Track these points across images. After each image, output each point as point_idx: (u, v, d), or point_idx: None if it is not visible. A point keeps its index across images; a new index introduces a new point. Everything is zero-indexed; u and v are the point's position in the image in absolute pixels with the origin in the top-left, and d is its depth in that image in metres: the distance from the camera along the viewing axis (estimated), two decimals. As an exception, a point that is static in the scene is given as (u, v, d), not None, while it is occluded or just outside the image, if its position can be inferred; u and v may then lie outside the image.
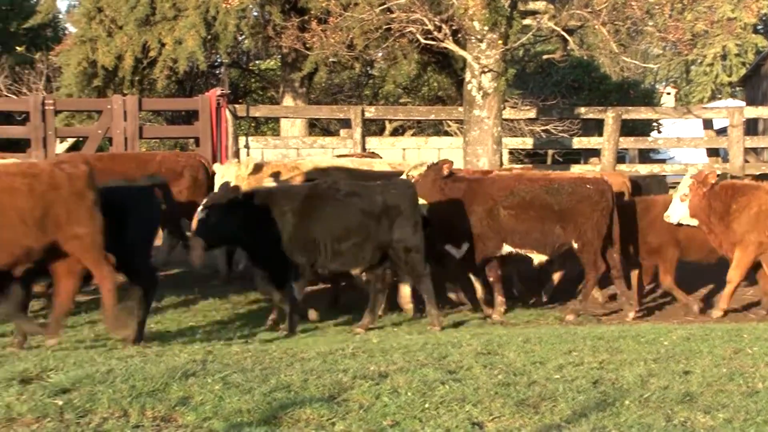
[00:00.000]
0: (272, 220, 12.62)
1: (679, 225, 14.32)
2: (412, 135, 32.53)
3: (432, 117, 27.48)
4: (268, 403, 7.08)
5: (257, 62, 37.12)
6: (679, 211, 14.12)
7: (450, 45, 20.12)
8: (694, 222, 14.19)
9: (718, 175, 14.39)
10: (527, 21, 20.26)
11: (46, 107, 22.01)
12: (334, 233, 12.84)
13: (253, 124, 36.63)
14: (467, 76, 20.10)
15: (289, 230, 12.65)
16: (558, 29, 20.25)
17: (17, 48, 33.37)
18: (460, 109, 22.52)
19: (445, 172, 14.46)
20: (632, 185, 17.17)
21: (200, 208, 12.69)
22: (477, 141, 19.86)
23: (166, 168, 16.06)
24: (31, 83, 30.20)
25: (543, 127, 28.49)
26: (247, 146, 24.12)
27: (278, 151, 24.46)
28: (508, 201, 14.30)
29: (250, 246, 13.01)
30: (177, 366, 7.96)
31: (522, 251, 14.54)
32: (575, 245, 14.32)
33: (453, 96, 30.50)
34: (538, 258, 14.60)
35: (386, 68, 29.71)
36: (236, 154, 23.17)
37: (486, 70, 19.45)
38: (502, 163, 20.67)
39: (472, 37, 19.50)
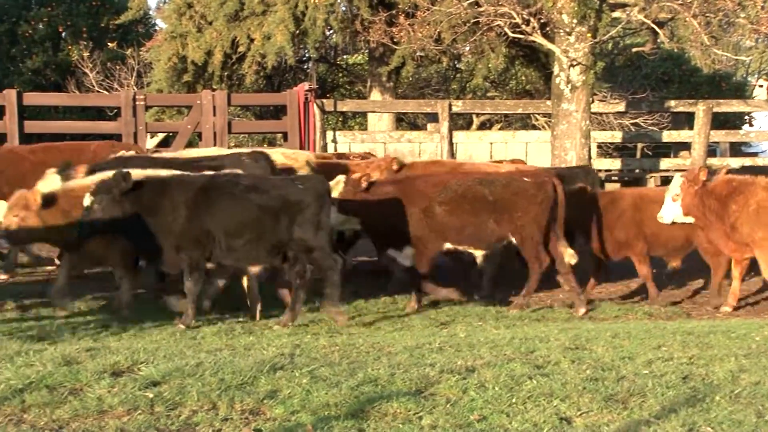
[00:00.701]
0: (164, 210, 12.14)
1: (673, 224, 14.13)
2: (500, 129, 32.40)
3: (519, 111, 27.42)
4: (355, 397, 7.10)
5: (345, 57, 37.24)
6: (672, 211, 13.89)
7: (538, 38, 20.01)
8: (690, 220, 13.96)
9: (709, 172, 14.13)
10: (616, 13, 20.10)
11: (137, 103, 22.33)
12: (228, 228, 12.22)
13: (340, 119, 36.75)
14: (555, 69, 20.00)
15: (181, 222, 12.12)
16: (648, 22, 20.03)
17: (109, 44, 33.90)
18: (548, 102, 22.43)
19: (364, 185, 14.03)
20: (563, 175, 17.06)
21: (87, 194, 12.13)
22: (565, 135, 19.75)
23: (101, 158, 15.86)
24: (122, 79, 30.65)
25: (632, 121, 28.22)
26: (334, 141, 24.25)
27: (365, 145, 24.51)
28: (443, 196, 13.87)
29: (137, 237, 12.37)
30: (265, 359, 8.02)
31: (461, 248, 14.16)
32: (514, 239, 14.01)
33: (541, 89, 30.37)
34: (478, 253, 14.23)
35: (474, 62, 29.62)
36: (324, 149, 23.32)
37: (575, 63, 19.34)
38: (590, 157, 20.52)
39: (561, 30, 19.40)
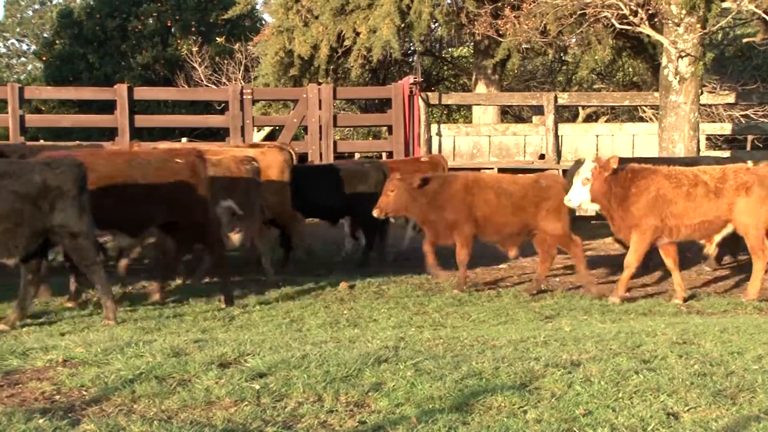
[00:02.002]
0: None
1: (580, 207, 14.18)
2: (606, 121, 32.11)
3: (626, 103, 27.14)
4: (459, 390, 7.09)
5: (450, 50, 37.20)
6: (580, 195, 13.82)
7: (646, 29, 19.81)
8: (594, 206, 13.97)
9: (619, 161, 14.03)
10: (727, 4, 19.79)
11: (245, 97, 22.59)
12: None
13: (445, 112, 36.74)
14: (663, 60, 19.77)
15: None
16: (759, 12, 19.69)
17: (217, 39, 34.36)
18: (656, 94, 22.17)
19: None
20: (352, 171, 17.16)
21: None
22: (673, 127, 19.52)
23: None
24: (229, 73, 31.00)
25: (742, 113, 27.78)
26: (439, 134, 24.23)
27: (470, 138, 24.47)
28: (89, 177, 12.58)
29: None
30: (370, 352, 8.04)
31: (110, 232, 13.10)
32: (181, 223, 13.24)
33: (648, 81, 30.03)
34: (126, 241, 13.46)
35: (580, 54, 29.43)
36: (428, 142, 23.32)
37: (683, 54, 19.09)
38: (698, 150, 20.24)
39: (669, 21, 19.17)
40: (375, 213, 14.65)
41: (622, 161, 14.06)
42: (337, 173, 17.42)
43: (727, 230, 13.95)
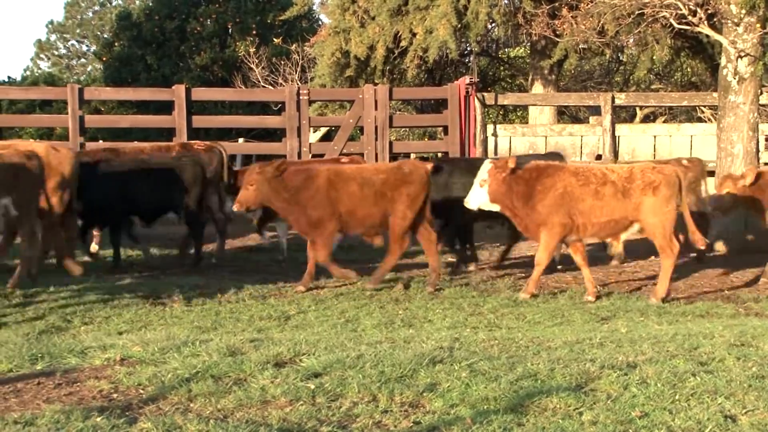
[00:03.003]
0: None
1: (480, 210, 14.04)
2: (664, 122, 31.89)
3: (685, 103, 26.92)
4: (514, 392, 7.09)
5: (506, 50, 37.12)
6: (478, 197, 13.79)
7: (705, 29, 19.63)
8: (495, 207, 13.86)
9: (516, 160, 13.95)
10: (787, 2, 19.56)
11: (301, 97, 22.65)
12: None
13: (501, 112, 36.65)
14: (723, 60, 19.58)
15: None
16: (821, 11, 19.45)
17: (274, 40, 34.54)
18: (715, 94, 21.96)
19: None
20: (168, 166, 16.70)
21: None
22: (732, 127, 19.33)
23: None
24: (286, 74, 31.14)
25: (803, 113, 27.47)
26: (495, 134, 24.16)
27: (526, 139, 24.39)
28: None
29: None
30: (424, 352, 8.05)
31: None
32: None
33: (707, 81, 29.79)
34: None
35: (637, 54, 29.24)
36: (484, 143, 23.29)
37: (743, 54, 18.91)
38: (758, 150, 20.04)
39: (729, 21, 18.99)
40: (235, 208, 14.50)
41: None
42: (152, 169, 16.90)
43: (633, 230, 13.85)
